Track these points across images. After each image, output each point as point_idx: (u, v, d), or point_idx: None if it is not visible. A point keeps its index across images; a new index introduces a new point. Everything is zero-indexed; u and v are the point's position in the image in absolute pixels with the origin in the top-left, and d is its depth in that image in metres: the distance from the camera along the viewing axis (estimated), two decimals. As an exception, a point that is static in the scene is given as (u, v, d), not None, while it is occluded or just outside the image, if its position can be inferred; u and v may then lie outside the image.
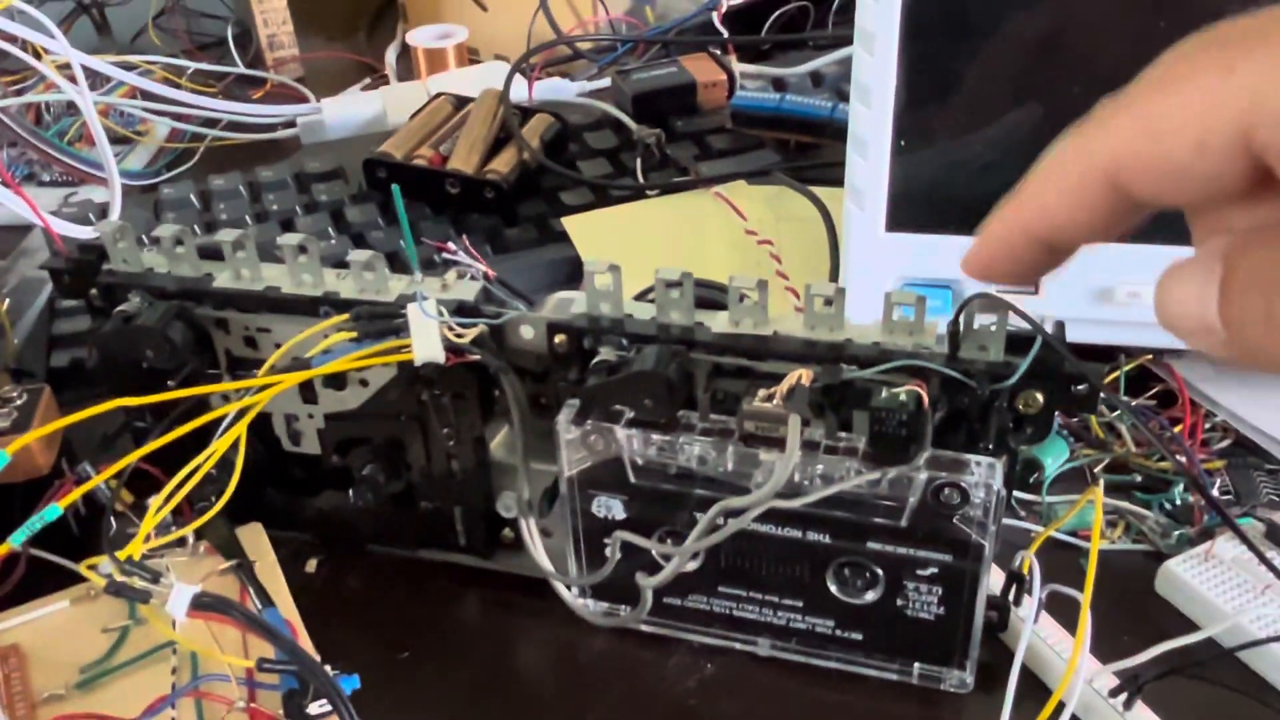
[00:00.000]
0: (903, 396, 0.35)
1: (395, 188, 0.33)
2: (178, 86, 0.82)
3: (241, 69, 0.91)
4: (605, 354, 0.39)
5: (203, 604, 0.32)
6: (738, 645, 0.43)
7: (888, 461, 0.36)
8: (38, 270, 0.62)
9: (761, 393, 0.37)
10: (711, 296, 0.40)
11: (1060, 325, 0.37)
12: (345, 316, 0.39)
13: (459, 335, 0.38)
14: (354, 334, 0.38)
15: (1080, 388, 0.36)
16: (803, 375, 0.36)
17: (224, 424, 0.38)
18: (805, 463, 0.37)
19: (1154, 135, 0.21)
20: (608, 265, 0.39)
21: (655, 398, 0.37)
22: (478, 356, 0.38)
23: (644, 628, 0.43)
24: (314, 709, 0.36)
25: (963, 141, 0.49)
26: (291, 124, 0.80)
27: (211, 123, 0.81)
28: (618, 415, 0.39)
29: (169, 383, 0.42)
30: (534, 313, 0.41)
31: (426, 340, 0.37)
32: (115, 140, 0.78)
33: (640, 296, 0.43)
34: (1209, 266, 0.21)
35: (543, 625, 0.45)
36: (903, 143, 0.49)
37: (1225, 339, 0.21)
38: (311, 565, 0.47)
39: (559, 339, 0.40)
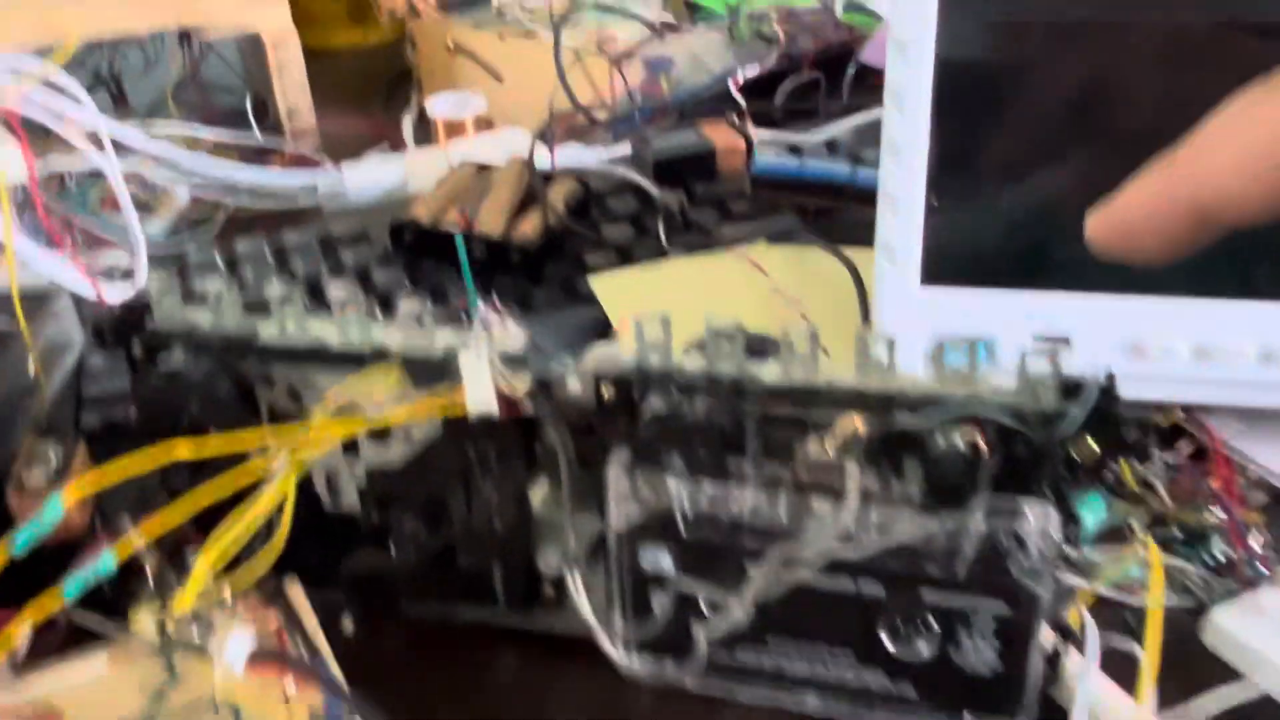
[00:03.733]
0: (959, 444, 0.35)
1: (459, 237, 0.33)
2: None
3: (259, 139, 0.92)
4: (655, 404, 0.39)
5: (260, 656, 0.31)
6: (787, 704, 0.42)
7: (943, 510, 0.36)
8: (64, 333, 0.62)
9: (814, 442, 0.37)
10: (761, 348, 0.40)
11: (1110, 374, 0.37)
12: (397, 366, 0.39)
13: (513, 387, 0.38)
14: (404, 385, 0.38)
15: (1133, 433, 0.36)
16: (856, 423, 0.36)
17: (277, 475, 0.37)
18: (860, 512, 0.36)
19: None
20: (659, 316, 0.39)
21: (708, 447, 0.37)
22: (531, 408, 0.38)
23: (689, 686, 0.43)
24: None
25: (998, 194, 0.50)
26: (312, 192, 0.81)
27: (232, 190, 0.82)
28: (669, 465, 0.38)
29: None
30: (581, 365, 0.41)
31: (480, 390, 0.37)
32: (137, 208, 0.79)
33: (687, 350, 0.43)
34: None
35: (584, 685, 0.44)
36: (935, 201, 0.50)
37: None
38: (347, 625, 0.46)
39: (607, 390, 0.40)
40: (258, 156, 0.91)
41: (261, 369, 0.42)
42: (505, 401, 0.38)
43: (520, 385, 0.38)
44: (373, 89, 1.04)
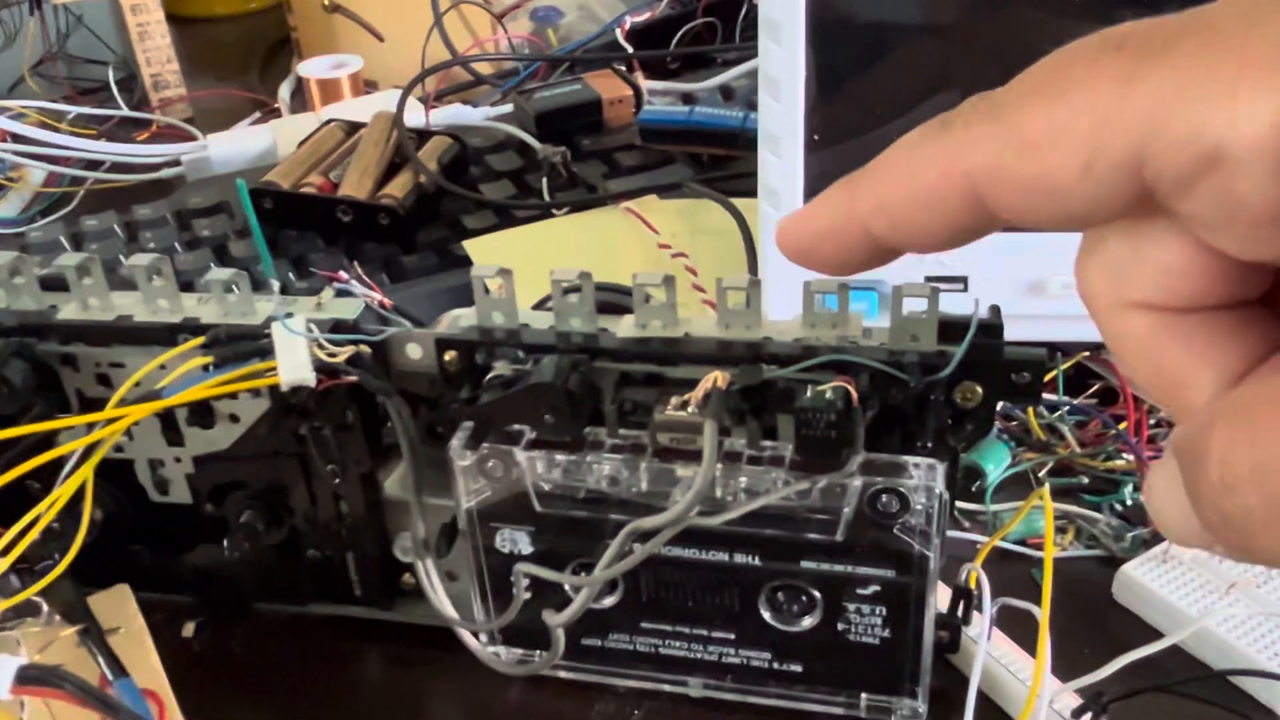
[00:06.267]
0: (829, 394, 0.31)
1: (241, 183, 0.29)
2: (56, 131, 0.78)
3: (125, 111, 0.86)
4: (500, 369, 0.35)
5: (29, 678, 0.27)
6: (667, 687, 0.38)
7: (817, 469, 0.32)
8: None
9: (674, 400, 0.33)
10: (615, 300, 0.37)
11: (996, 309, 0.34)
12: (200, 340, 0.34)
13: (331, 354, 0.34)
14: (209, 360, 0.34)
15: (1022, 375, 0.33)
16: (718, 378, 0.32)
17: (67, 467, 0.33)
18: (727, 475, 0.33)
19: (1032, 150, 0.17)
20: (497, 269, 0.35)
21: (556, 412, 0.33)
22: (354, 378, 0.34)
23: (563, 674, 0.39)
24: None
25: (880, 134, 0.46)
26: (177, 163, 0.75)
27: (93, 165, 0.76)
28: (517, 436, 0.35)
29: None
30: (421, 329, 0.37)
31: (293, 361, 0.33)
32: (-15, 188, 0.73)
33: (539, 306, 0.39)
34: (1174, 466, 0.17)
35: (452, 680, 0.40)
36: (816, 137, 0.46)
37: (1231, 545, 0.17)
38: (189, 629, 0.42)
39: (449, 356, 0.36)
40: (124, 130, 0.85)
41: (64, 350, 0.38)
42: (326, 372, 0.34)
43: (343, 354, 0.34)
44: (250, 57, 0.99)
